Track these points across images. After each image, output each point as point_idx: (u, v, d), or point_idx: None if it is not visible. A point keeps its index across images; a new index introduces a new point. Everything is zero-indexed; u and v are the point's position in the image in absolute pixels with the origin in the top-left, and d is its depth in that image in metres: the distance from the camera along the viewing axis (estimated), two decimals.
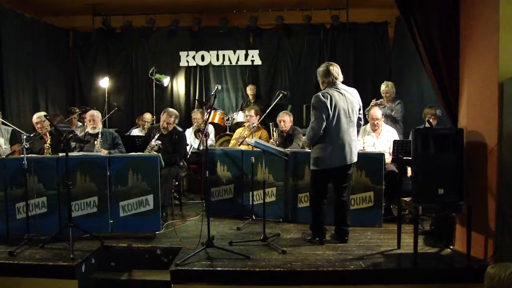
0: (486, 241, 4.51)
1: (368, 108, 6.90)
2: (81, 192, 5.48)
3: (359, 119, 5.19)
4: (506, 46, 4.20)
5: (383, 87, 7.56)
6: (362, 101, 5.28)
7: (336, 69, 5.09)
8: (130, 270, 5.00)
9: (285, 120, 6.98)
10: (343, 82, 5.18)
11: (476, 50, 4.59)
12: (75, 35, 10.33)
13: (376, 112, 6.66)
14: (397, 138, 6.68)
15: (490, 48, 4.34)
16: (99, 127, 6.51)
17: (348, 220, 5.23)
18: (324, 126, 4.92)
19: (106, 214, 5.50)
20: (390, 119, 7.41)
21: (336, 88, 5.03)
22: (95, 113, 6.58)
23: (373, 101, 7.46)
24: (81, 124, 8.19)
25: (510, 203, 4.15)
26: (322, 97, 4.94)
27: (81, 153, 5.89)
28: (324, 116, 4.90)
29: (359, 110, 5.17)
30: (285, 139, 6.99)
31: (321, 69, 5.15)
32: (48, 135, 6.35)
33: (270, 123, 7.00)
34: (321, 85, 5.18)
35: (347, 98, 5.02)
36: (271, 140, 6.88)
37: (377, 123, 6.63)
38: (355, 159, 5.08)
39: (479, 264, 4.37)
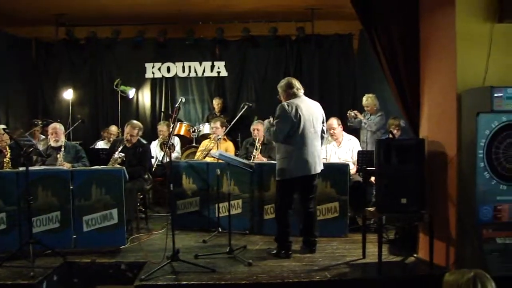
0: (448, 249, 4.61)
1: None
2: (42, 207, 5.37)
3: (322, 131, 5.30)
4: (463, 58, 4.35)
5: (363, 100, 7.71)
6: (327, 112, 5.40)
7: (297, 82, 5.25)
8: (94, 286, 4.92)
9: (259, 128, 7.03)
10: (308, 93, 5.29)
11: (435, 63, 4.72)
12: (38, 45, 10.15)
13: (332, 122, 6.80)
14: (359, 148, 6.81)
15: (448, 60, 4.47)
16: (62, 140, 6.43)
17: (316, 231, 5.29)
18: (285, 134, 5.02)
19: (69, 229, 5.41)
20: (368, 130, 7.54)
21: (301, 100, 5.16)
22: (58, 126, 6.49)
23: (348, 112, 7.68)
24: (44, 137, 8.05)
25: (468, 212, 4.26)
26: (286, 106, 5.05)
27: (42, 167, 5.79)
28: (287, 125, 5.00)
29: (323, 122, 5.29)
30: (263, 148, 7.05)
31: (283, 83, 5.30)
32: (7, 148, 6.23)
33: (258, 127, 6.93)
34: (283, 99, 5.26)
35: (311, 110, 5.14)
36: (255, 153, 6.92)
37: (333, 132, 6.79)
38: (319, 169, 5.16)
39: (441, 272, 4.45)
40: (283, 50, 9.93)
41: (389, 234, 5.66)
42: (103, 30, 9.83)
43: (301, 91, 5.24)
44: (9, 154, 6.18)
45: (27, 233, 5.00)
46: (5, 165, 6.14)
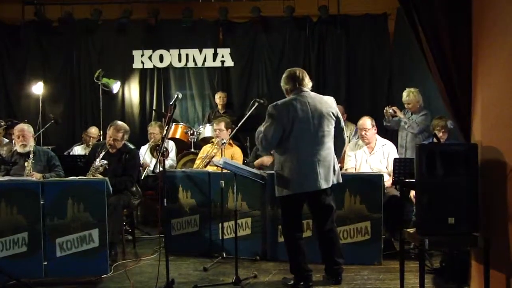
0: (508, 281, 4.56)
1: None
2: (6, 227, 5.40)
3: (338, 135, 5.27)
4: None
5: (404, 95, 7.69)
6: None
7: (300, 74, 5.21)
8: None
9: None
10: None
11: (493, 46, 4.66)
12: (0, 28, 10.25)
13: (365, 121, 6.77)
14: (396, 155, 6.78)
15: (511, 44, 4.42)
16: (31, 145, 6.48)
17: (338, 257, 5.26)
18: (275, 141, 5.04)
19: (38, 254, 5.42)
20: (409, 132, 7.58)
21: (301, 97, 5.13)
22: (25, 128, 6.55)
23: (386, 108, 7.72)
24: (7, 141, 8.11)
25: None
26: (278, 107, 5.06)
27: (6, 178, 5.84)
28: (277, 130, 5.01)
29: (338, 123, 5.26)
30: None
31: (284, 75, 5.31)
32: None
33: None
34: (286, 95, 5.29)
35: (315, 108, 5.09)
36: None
37: (365, 133, 6.76)
38: (324, 185, 5.06)
39: None
40: (302, 35, 9.99)
41: (433, 262, 5.64)
42: (81, 10, 9.92)
43: (307, 86, 5.21)
44: None
45: None
46: None
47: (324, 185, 5.06)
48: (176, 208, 6.52)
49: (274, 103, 5.12)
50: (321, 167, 5.04)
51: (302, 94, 5.15)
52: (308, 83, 5.23)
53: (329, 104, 5.22)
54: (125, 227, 6.77)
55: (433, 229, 4.55)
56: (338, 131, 5.27)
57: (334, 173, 5.19)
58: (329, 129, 5.15)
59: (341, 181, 5.28)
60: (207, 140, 8.44)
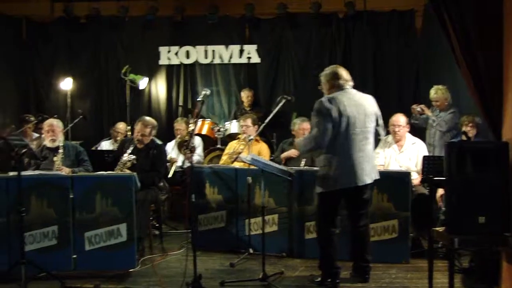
0: None
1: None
2: (36, 220, 5.47)
3: (376, 132, 5.27)
4: None
5: (432, 93, 7.61)
6: (383, 108, 5.34)
7: (345, 72, 5.20)
8: None
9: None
10: (360, 85, 5.24)
11: None
12: (30, 25, 10.34)
13: (399, 118, 6.72)
14: (426, 153, 6.71)
15: None
16: (60, 140, 6.52)
17: (368, 255, 5.26)
18: (328, 134, 4.97)
19: (68, 247, 5.49)
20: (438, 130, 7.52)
21: (346, 93, 5.11)
22: (55, 123, 6.59)
23: (413, 107, 7.70)
24: (37, 135, 8.19)
25: None
26: (327, 102, 5.01)
27: (37, 172, 5.89)
28: (329, 126, 4.95)
29: (377, 120, 5.25)
30: None
31: (327, 71, 5.27)
32: None
33: None
34: (326, 92, 5.25)
35: (360, 105, 5.09)
36: None
37: (398, 130, 6.70)
38: (368, 179, 5.08)
39: None
40: (328, 31, 9.94)
41: (462, 262, 5.58)
42: (108, 6, 10.00)
43: (349, 84, 5.20)
44: None
45: (18, 252, 5.07)
46: None
47: (368, 180, 5.08)
48: (203, 204, 6.51)
49: (322, 99, 5.07)
50: (365, 162, 5.04)
51: (346, 90, 5.14)
52: (350, 81, 5.22)
53: (370, 102, 5.24)
54: (153, 222, 6.80)
55: (463, 228, 4.49)
56: (377, 129, 5.28)
57: (374, 169, 5.20)
58: (371, 126, 5.16)
59: (378, 177, 5.26)
60: (233, 136, 8.46)
